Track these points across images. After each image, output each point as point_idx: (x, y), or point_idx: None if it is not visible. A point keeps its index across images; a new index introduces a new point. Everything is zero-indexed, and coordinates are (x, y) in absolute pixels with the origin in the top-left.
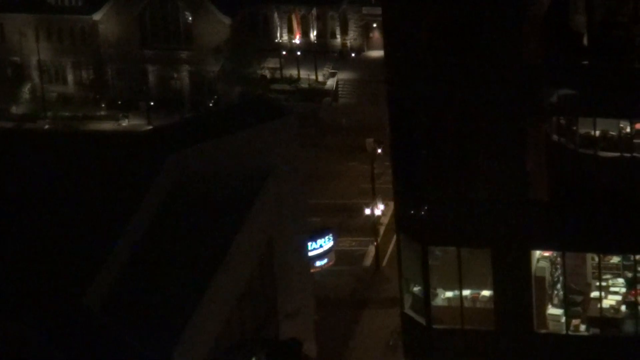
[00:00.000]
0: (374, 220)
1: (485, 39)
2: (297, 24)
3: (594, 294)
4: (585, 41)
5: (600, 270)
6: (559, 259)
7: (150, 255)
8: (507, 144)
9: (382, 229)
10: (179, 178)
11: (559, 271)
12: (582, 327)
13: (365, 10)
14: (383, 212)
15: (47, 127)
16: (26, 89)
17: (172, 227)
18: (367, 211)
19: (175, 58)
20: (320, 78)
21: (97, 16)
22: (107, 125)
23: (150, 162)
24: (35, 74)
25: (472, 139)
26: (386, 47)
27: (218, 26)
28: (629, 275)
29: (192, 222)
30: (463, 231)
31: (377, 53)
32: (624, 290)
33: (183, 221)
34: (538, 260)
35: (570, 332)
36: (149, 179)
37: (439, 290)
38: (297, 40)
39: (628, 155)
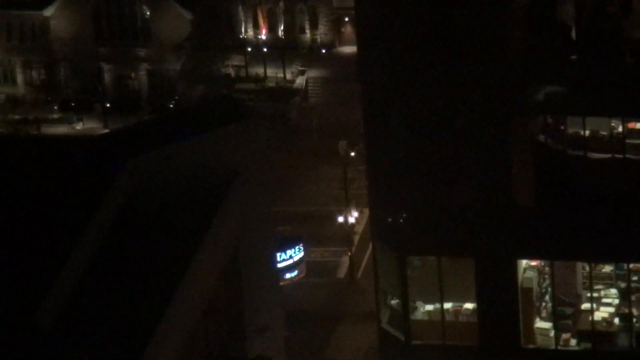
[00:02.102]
0: (347, 229)
1: (466, 32)
2: (263, 18)
3: (585, 305)
4: (573, 34)
5: (592, 281)
6: (547, 268)
7: (109, 267)
8: (490, 146)
9: (356, 238)
10: (137, 185)
11: (547, 281)
12: (573, 342)
13: (336, 3)
14: (357, 219)
15: None
16: None
17: (131, 237)
18: (340, 219)
19: (132, 56)
20: (289, 76)
21: (48, 12)
22: (60, 129)
23: (107, 168)
24: None
25: (452, 140)
26: (359, 42)
27: (178, 21)
28: (622, 285)
29: (153, 231)
30: (444, 239)
31: (350, 49)
32: (617, 301)
33: (143, 231)
34: (525, 270)
35: (559, 347)
36: (106, 186)
37: (419, 303)
38: (263, 35)
39: (620, 156)
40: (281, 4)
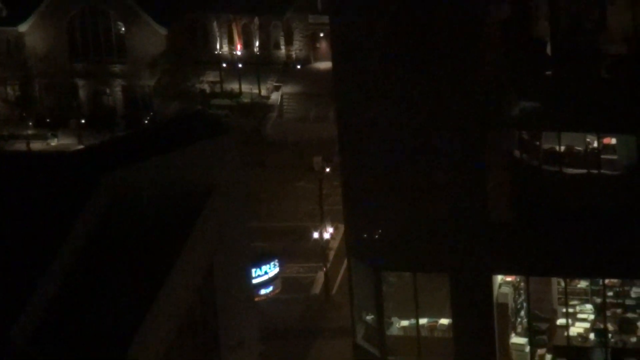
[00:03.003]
0: (322, 245)
1: (441, 48)
2: (238, 34)
3: (561, 321)
4: (548, 49)
5: (567, 296)
6: (522, 283)
7: (84, 283)
8: (466, 161)
9: (331, 254)
10: (113, 200)
11: (523, 297)
12: (548, 357)
13: (311, 18)
14: (332, 235)
15: None
16: None
17: (106, 253)
18: (316, 235)
19: (107, 72)
20: (264, 92)
21: (23, 27)
22: (35, 145)
23: (82, 184)
24: None
25: (428, 155)
26: (334, 58)
27: (153, 37)
28: (598, 300)
29: (128, 247)
30: (419, 255)
31: (325, 65)
32: (592, 317)
33: (118, 246)
34: (500, 285)
35: None
36: (81, 202)
37: (394, 319)
38: (238, 51)
39: (595, 172)
40: (256, 20)
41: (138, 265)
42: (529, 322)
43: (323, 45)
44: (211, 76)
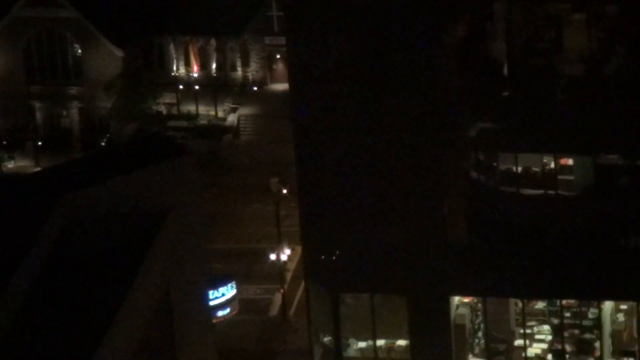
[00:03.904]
0: (279, 266)
1: (397, 69)
2: (195, 56)
3: (518, 342)
4: (505, 70)
5: (525, 317)
6: (479, 305)
7: (37, 310)
8: (423, 182)
9: (289, 275)
10: (68, 223)
11: (480, 318)
12: None
13: (267, 40)
14: (289, 257)
15: None
16: None
17: (60, 277)
18: (273, 256)
19: (64, 94)
20: (221, 114)
21: None
22: None
23: (38, 207)
24: None
25: (385, 177)
26: (291, 79)
27: (109, 59)
28: (555, 321)
29: (83, 271)
30: (376, 277)
31: (282, 86)
32: (549, 337)
33: (72, 271)
34: (457, 306)
35: None
36: (36, 224)
37: (351, 341)
38: (195, 73)
39: (552, 193)
40: (213, 42)
41: (93, 290)
42: (486, 343)
43: (280, 67)
44: (168, 98)
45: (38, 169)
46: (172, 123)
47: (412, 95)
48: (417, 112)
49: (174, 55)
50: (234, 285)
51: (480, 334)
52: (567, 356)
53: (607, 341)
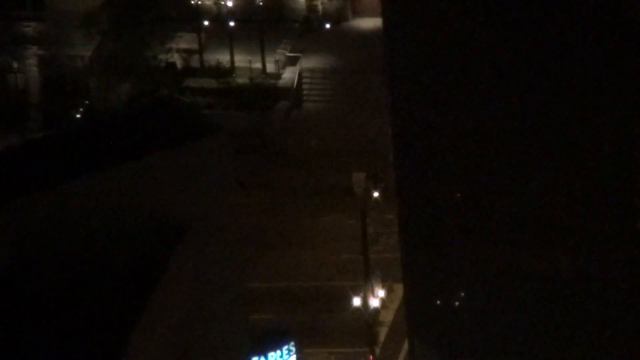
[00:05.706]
0: (367, 318)
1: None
2: None
3: None
4: None
5: None
6: None
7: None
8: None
9: (382, 332)
10: (26, 230)
11: None
12: None
13: None
14: (384, 302)
15: None
16: None
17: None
18: (356, 301)
19: (15, 34)
20: (271, 67)
21: None
22: None
23: None
24: None
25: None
26: (386, 12)
27: None
28: None
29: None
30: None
31: (370, 22)
32: None
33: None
34: None
35: None
36: None
37: None
38: (229, 1)
39: None
40: None
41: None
42: None
43: None
44: (185, 41)
45: None
46: (191, 82)
47: None
48: None
49: None
50: (294, 348)
51: None
52: None
53: None
